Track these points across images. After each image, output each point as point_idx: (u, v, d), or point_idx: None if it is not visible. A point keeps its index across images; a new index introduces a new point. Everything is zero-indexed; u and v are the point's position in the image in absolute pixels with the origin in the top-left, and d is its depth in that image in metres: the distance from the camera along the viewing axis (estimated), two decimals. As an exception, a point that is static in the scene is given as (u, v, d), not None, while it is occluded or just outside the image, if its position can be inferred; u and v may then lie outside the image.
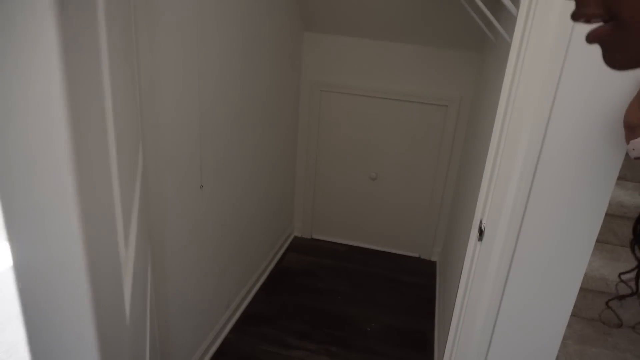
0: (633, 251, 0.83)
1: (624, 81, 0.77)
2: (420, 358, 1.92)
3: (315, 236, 2.88)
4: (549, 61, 0.78)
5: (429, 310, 2.25)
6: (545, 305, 0.93)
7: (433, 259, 2.75)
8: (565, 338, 1.06)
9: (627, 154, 0.80)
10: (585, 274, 0.96)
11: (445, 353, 1.09)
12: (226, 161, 1.74)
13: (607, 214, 0.90)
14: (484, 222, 0.91)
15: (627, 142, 0.74)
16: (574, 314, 1.49)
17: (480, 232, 0.91)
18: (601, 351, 1.46)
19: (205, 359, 1.77)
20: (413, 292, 2.41)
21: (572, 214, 0.87)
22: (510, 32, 1.28)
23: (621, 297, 1.03)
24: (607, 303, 1.18)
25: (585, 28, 0.37)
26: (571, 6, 0.78)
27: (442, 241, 2.69)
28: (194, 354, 1.68)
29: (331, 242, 2.85)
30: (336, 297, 2.30)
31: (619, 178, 1.36)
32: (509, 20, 1.37)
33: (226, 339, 1.93)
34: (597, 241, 0.92)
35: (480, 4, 1.27)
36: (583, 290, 1.01)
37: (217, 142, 1.63)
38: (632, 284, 0.95)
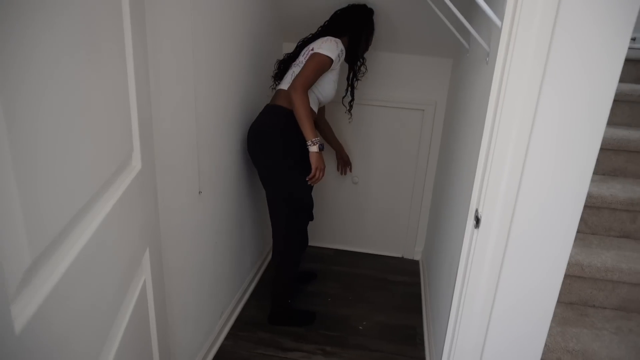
0: None
1: (600, 71, 0.88)
2: (412, 350, 2.00)
3: (300, 241, 2.93)
4: (533, 64, 0.88)
5: (416, 305, 2.34)
6: (537, 283, 1.03)
7: (415, 258, 2.85)
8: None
9: None
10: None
11: (447, 335, 1.17)
12: (221, 168, 1.78)
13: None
14: (479, 210, 0.99)
15: None
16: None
17: (477, 220, 1.00)
18: (581, 330, 1.58)
19: (204, 366, 1.79)
20: (399, 290, 2.50)
21: (556, 202, 0.97)
22: (487, 40, 1.40)
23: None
24: None
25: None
26: (550, 16, 0.91)
27: (424, 240, 2.80)
28: (193, 362, 1.70)
29: (318, 247, 2.91)
30: (326, 298, 2.35)
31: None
32: (483, 29, 1.48)
33: (222, 345, 1.96)
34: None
35: (459, 15, 1.37)
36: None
37: (213, 149, 1.68)
38: None
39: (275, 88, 2.05)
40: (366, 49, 2.12)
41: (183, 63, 1.37)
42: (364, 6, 2.07)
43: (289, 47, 2.51)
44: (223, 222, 1.87)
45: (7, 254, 0.48)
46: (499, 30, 0.99)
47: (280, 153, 1.86)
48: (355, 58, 2.06)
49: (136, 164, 0.99)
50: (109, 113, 0.80)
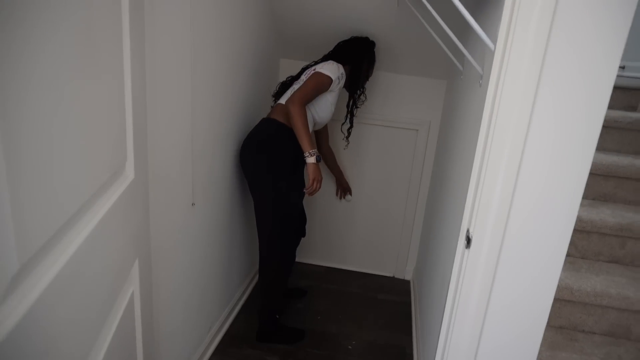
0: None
1: (587, 94, 0.90)
2: (401, 372, 1.98)
3: (291, 258, 2.92)
4: (525, 88, 0.90)
5: (406, 325, 2.32)
6: (527, 305, 1.03)
7: (407, 277, 2.84)
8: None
9: None
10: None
11: (437, 356, 1.16)
12: (215, 181, 1.78)
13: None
14: (471, 231, 1.00)
15: None
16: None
17: (468, 240, 1.00)
18: (570, 355, 1.57)
19: (189, 382, 1.76)
20: (390, 309, 2.48)
21: (547, 224, 0.98)
22: (480, 63, 1.42)
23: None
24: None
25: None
26: (542, 41, 0.93)
27: (415, 260, 2.79)
28: (178, 378, 1.67)
29: (309, 264, 2.90)
30: (316, 316, 2.33)
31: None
32: (477, 52, 1.51)
33: (209, 361, 1.93)
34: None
35: (455, 39, 1.40)
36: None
37: (208, 161, 1.68)
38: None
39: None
40: (366, 79, 2.19)
41: (181, 74, 1.38)
42: (366, 39, 2.16)
43: (287, 63, 2.55)
44: (215, 234, 1.86)
45: (-5, 258, 0.48)
46: (492, 53, 1.01)
47: (270, 165, 1.87)
48: (355, 87, 2.13)
49: (129, 173, 0.99)
50: (104, 121, 0.80)
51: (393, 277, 2.86)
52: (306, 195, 1.97)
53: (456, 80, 2.06)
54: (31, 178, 0.55)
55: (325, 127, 2.41)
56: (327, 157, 2.52)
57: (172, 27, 1.29)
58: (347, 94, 2.21)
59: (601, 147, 2.21)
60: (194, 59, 1.45)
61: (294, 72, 2.18)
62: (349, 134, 2.32)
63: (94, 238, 0.77)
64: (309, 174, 1.85)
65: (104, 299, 0.85)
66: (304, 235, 2.23)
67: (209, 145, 1.68)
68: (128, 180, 0.97)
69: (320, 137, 2.44)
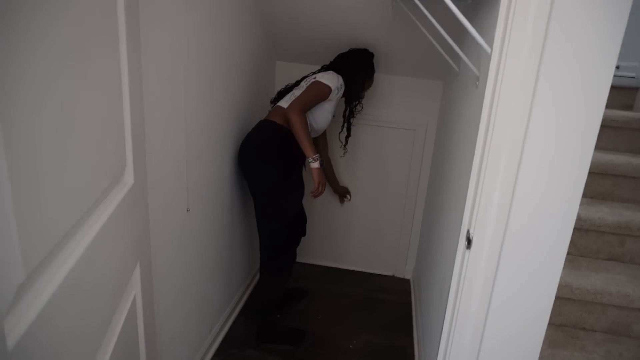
0: None
1: (586, 96, 0.91)
2: (402, 372, 1.98)
3: (291, 259, 2.92)
4: (522, 91, 0.91)
5: (407, 325, 2.33)
6: (529, 305, 1.04)
7: (406, 276, 2.85)
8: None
9: None
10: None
11: (438, 358, 1.16)
12: (211, 184, 1.78)
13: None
14: (471, 232, 1.01)
15: None
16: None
17: (469, 241, 1.01)
18: (571, 353, 1.58)
19: (191, 385, 1.76)
20: (390, 309, 2.49)
21: (546, 223, 0.99)
22: (476, 64, 1.43)
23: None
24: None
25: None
26: (538, 44, 0.94)
27: (415, 259, 2.80)
28: (180, 381, 1.67)
29: (307, 264, 2.90)
30: (316, 317, 2.34)
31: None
32: (473, 54, 1.52)
33: (210, 364, 1.93)
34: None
35: (450, 41, 1.41)
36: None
37: (204, 165, 1.68)
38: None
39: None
40: (364, 90, 2.23)
41: (175, 79, 1.39)
42: (365, 50, 2.19)
43: (283, 66, 2.56)
44: (212, 238, 1.86)
45: (1, 268, 0.48)
46: (489, 56, 1.02)
47: (268, 168, 1.89)
48: (352, 98, 2.18)
49: (129, 179, 0.99)
50: (103, 127, 0.80)
51: (393, 276, 2.87)
52: (307, 196, 1.99)
53: (452, 81, 2.06)
54: (34, 187, 0.55)
55: (325, 137, 2.43)
56: (325, 168, 2.54)
57: (167, 34, 1.29)
58: (344, 104, 2.25)
59: (598, 146, 2.22)
60: (188, 65, 1.45)
61: (290, 75, 2.19)
62: (347, 142, 2.36)
63: (97, 244, 0.77)
64: (314, 178, 1.90)
65: (108, 303, 0.85)
66: (304, 234, 2.24)
67: (204, 149, 1.68)
68: (128, 186, 0.97)
69: (319, 147, 2.46)
